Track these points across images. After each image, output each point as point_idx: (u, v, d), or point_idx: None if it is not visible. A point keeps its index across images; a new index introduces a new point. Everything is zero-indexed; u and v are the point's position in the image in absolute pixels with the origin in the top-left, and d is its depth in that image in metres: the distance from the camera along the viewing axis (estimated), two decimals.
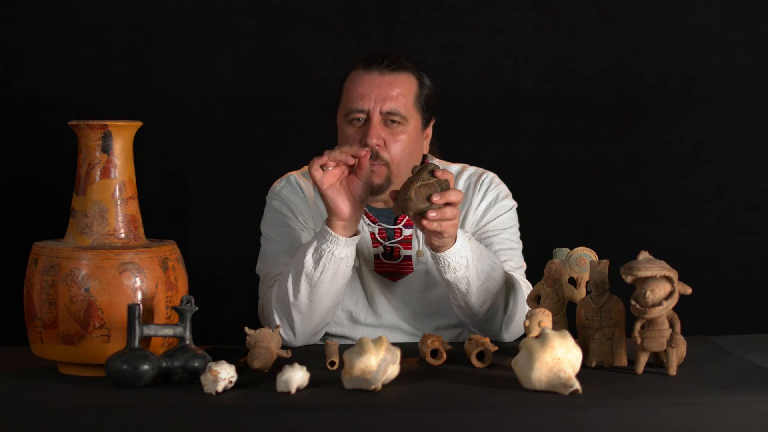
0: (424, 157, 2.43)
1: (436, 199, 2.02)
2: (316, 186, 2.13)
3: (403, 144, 2.30)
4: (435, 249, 2.14)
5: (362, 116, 2.30)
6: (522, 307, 2.24)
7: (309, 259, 2.15)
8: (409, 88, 2.33)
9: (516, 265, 2.38)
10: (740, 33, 3.27)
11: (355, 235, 2.16)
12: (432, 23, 3.27)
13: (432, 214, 2.02)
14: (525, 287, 2.29)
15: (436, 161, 2.48)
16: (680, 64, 3.28)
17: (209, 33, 3.26)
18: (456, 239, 2.14)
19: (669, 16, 3.27)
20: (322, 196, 2.14)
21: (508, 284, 2.26)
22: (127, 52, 3.25)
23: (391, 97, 2.30)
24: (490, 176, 2.45)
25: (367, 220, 2.38)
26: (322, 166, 2.12)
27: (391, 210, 2.39)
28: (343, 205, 2.13)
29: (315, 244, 2.16)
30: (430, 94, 2.37)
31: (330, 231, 2.14)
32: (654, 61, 3.28)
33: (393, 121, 2.29)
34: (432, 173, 2.05)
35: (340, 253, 2.15)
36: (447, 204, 2.04)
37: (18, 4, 3.22)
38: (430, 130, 2.41)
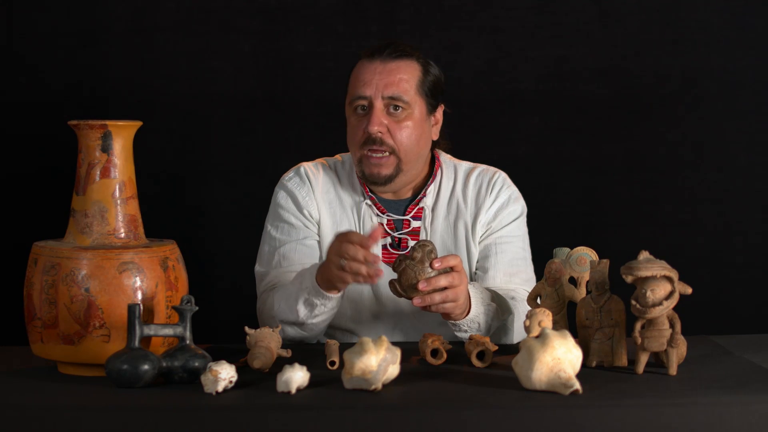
0: (434, 144, 2.42)
1: (422, 285, 2.02)
2: (340, 282, 2.10)
3: (409, 130, 2.30)
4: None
5: (364, 103, 2.30)
6: (520, 325, 2.24)
7: (302, 308, 2.19)
8: (412, 74, 2.33)
9: (526, 277, 2.39)
10: (740, 33, 3.27)
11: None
12: (432, 23, 3.27)
13: (416, 300, 2.03)
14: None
15: (447, 158, 2.46)
16: (680, 64, 3.27)
17: (209, 33, 3.26)
18: (469, 308, 2.15)
19: (669, 16, 3.27)
20: (335, 282, 2.11)
21: (511, 316, 2.26)
22: (127, 52, 3.25)
23: (392, 82, 2.30)
24: (502, 176, 2.44)
25: (376, 211, 2.38)
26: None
27: (400, 201, 2.39)
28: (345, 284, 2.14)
29: (305, 296, 2.18)
30: (436, 80, 2.36)
31: (324, 293, 2.16)
32: (654, 61, 3.27)
33: (396, 108, 2.29)
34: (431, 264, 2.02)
35: (332, 304, 2.19)
36: (445, 288, 2.04)
37: (19, 5, 3.22)
38: (440, 115, 2.40)
